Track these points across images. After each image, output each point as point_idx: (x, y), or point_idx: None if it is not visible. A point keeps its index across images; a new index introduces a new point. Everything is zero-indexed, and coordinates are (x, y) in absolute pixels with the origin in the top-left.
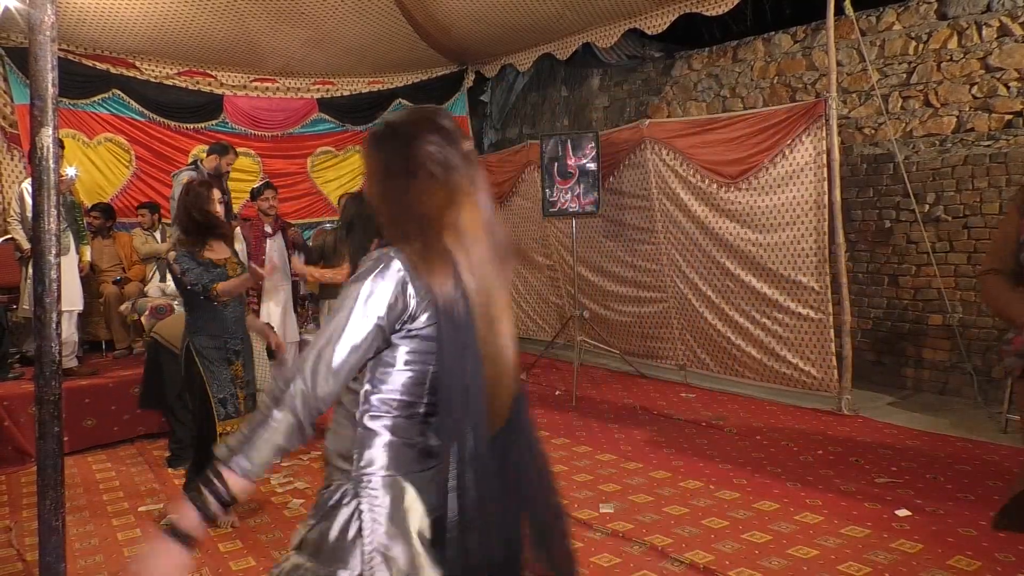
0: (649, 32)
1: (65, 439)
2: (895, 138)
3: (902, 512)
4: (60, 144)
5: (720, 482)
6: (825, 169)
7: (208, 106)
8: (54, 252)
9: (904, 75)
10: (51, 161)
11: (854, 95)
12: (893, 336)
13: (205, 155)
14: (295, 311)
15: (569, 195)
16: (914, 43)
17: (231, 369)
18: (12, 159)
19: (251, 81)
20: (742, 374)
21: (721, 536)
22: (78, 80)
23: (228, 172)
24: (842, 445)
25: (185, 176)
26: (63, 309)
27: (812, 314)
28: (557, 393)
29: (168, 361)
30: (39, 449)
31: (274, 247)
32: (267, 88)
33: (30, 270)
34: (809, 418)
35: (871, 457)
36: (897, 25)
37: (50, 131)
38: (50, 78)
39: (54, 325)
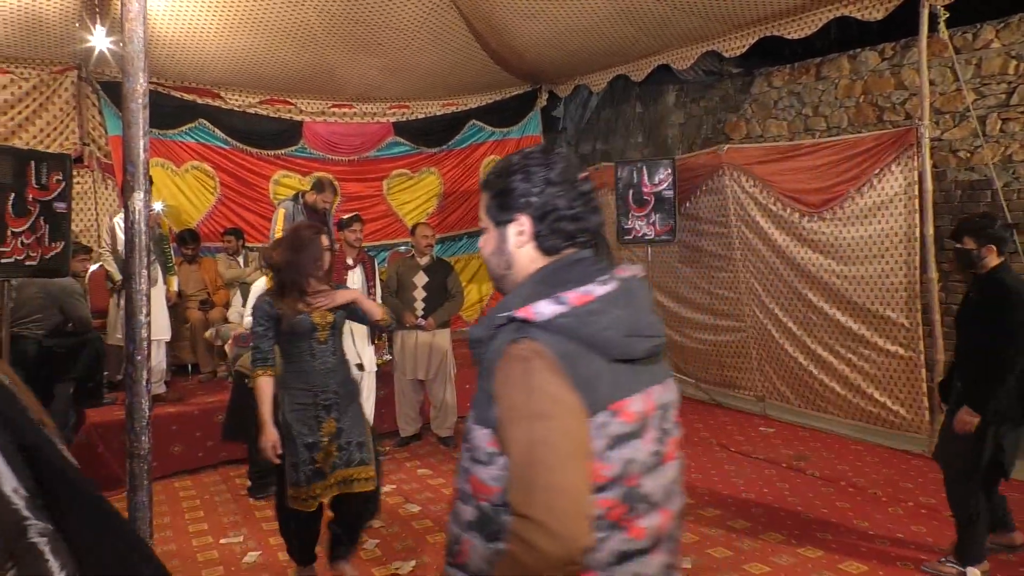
0: (727, 55)
1: (153, 464)
2: (993, 163)
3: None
4: (150, 180)
5: (802, 536)
6: (916, 200)
7: (288, 132)
8: (144, 312)
9: (1003, 95)
10: (142, 224)
11: (947, 116)
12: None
13: (309, 188)
14: (372, 342)
15: (644, 222)
16: (1015, 62)
17: (320, 430)
18: (106, 188)
19: (329, 107)
20: (825, 409)
21: None
22: (167, 111)
23: (327, 208)
24: (934, 496)
25: (284, 208)
26: (152, 339)
27: (901, 351)
28: None
29: (250, 393)
30: (130, 501)
31: (355, 279)
32: (344, 113)
33: (119, 299)
34: (898, 462)
35: None
36: (996, 43)
37: (142, 195)
38: (142, 144)
39: (144, 383)
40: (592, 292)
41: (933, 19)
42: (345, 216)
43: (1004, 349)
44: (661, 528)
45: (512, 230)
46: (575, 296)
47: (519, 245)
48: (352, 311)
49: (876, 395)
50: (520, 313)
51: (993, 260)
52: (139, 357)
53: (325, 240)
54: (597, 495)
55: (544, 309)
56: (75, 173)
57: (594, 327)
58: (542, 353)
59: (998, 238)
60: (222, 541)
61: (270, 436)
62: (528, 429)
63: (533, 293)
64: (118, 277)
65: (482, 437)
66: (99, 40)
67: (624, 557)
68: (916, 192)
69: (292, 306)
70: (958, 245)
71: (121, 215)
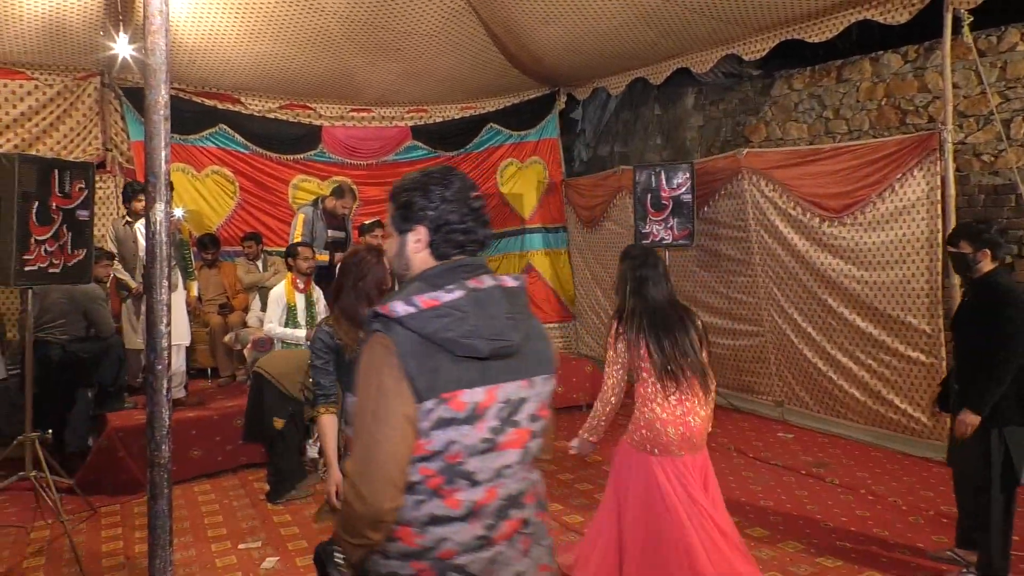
0: (747, 58)
1: (173, 468)
2: (1018, 167)
3: None
4: (170, 186)
5: (822, 546)
6: (939, 205)
7: (307, 137)
8: (165, 323)
9: None
10: (163, 235)
11: (971, 119)
12: (1013, 381)
13: (329, 194)
14: None
15: (663, 227)
16: None
17: None
18: None
19: (348, 111)
20: (844, 415)
21: None
22: (188, 116)
23: (345, 214)
24: (955, 505)
25: (303, 213)
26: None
27: (923, 358)
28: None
29: (271, 395)
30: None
31: None
32: (363, 118)
33: (133, 305)
34: (919, 469)
35: None
36: (1021, 46)
37: (163, 207)
38: (163, 155)
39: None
40: (439, 299)
41: (957, 21)
42: (367, 222)
43: (1000, 350)
44: (481, 503)
45: (411, 238)
46: (424, 300)
47: (416, 251)
48: None
49: (897, 401)
50: (381, 310)
51: (988, 264)
52: (160, 367)
53: (388, 263)
54: (420, 464)
55: (398, 308)
56: (97, 179)
57: (435, 327)
58: (387, 345)
59: (993, 243)
60: (240, 547)
61: (335, 477)
62: (362, 406)
63: (412, 291)
64: (133, 285)
65: (351, 404)
66: (122, 47)
67: (436, 521)
68: (939, 197)
69: (355, 336)
70: (954, 250)
71: (143, 221)
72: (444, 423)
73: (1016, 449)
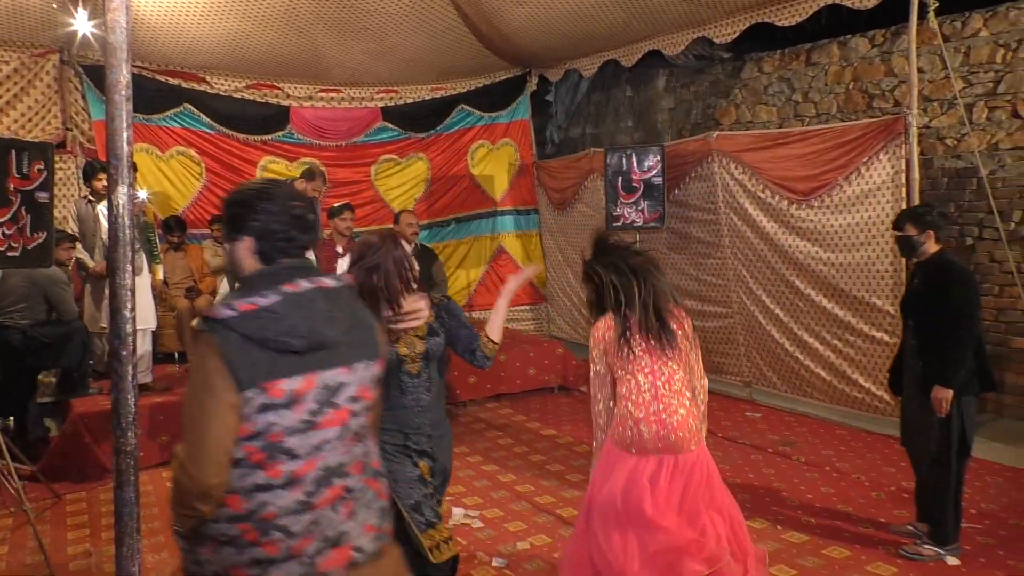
0: (717, 41)
1: (140, 455)
2: (979, 151)
3: (952, 560)
4: (134, 167)
5: (788, 522)
6: (903, 188)
7: (275, 118)
8: (129, 307)
9: (991, 84)
10: (127, 219)
11: (935, 103)
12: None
13: (299, 177)
14: None
15: (634, 209)
16: (1002, 51)
17: (416, 467)
18: None
19: (317, 92)
20: (811, 394)
21: None
22: (151, 95)
23: (316, 198)
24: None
25: None
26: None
27: (886, 338)
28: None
29: None
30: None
31: (344, 267)
32: (332, 98)
33: (92, 287)
34: (881, 446)
35: None
36: (984, 32)
37: (126, 189)
38: (126, 137)
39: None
40: (256, 303)
41: (923, 7)
42: (336, 204)
43: (955, 327)
44: (300, 473)
45: (239, 246)
46: (243, 305)
47: (244, 257)
48: (453, 331)
49: (861, 381)
50: (208, 313)
51: (932, 246)
52: (124, 352)
53: (407, 248)
54: (244, 443)
55: (222, 312)
56: (57, 159)
57: (253, 328)
58: (212, 344)
59: (936, 225)
60: None
61: None
62: (190, 395)
63: (235, 297)
64: (90, 264)
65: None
66: (81, 24)
67: (260, 489)
68: (903, 180)
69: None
70: (899, 233)
71: (104, 203)
72: (265, 408)
73: (969, 419)
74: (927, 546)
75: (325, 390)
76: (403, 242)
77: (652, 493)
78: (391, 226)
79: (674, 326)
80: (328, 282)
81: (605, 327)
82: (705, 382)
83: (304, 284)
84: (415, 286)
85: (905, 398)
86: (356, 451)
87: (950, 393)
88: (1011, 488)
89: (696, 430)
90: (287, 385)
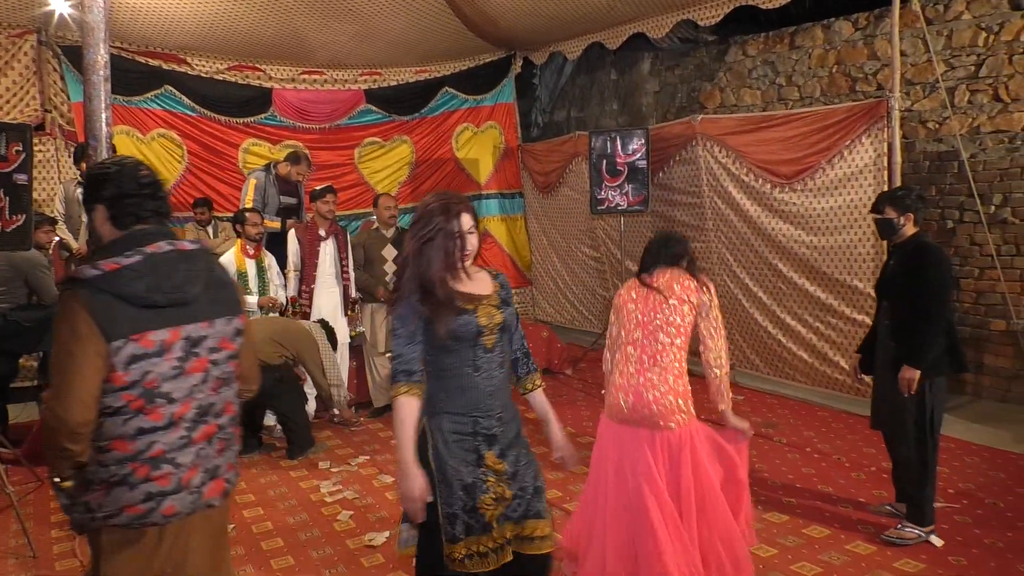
0: (702, 24)
1: None
2: (961, 134)
3: (936, 540)
4: (113, 150)
5: (769, 502)
6: (886, 172)
7: (257, 100)
8: None
9: (972, 67)
10: None
11: (918, 87)
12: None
13: (283, 160)
14: (345, 314)
15: (618, 193)
16: (984, 34)
17: (482, 465)
18: (69, 156)
19: (299, 74)
20: (793, 376)
21: (770, 566)
22: (131, 76)
23: (301, 181)
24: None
25: (254, 178)
26: None
27: (867, 320)
28: (603, 391)
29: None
30: None
31: (327, 251)
32: (315, 80)
33: (73, 267)
34: (862, 427)
35: None
36: (967, 15)
37: None
38: (104, 117)
39: None
40: (120, 262)
41: None
42: (318, 187)
43: (928, 308)
44: (179, 414)
45: (96, 214)
46: (108, 264)
47: (101, 224)
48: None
49: (842, 363)
50: (72, 274)
51: (911, 228)
52: None
53: (467, 220)
54: (121, 392)
55: (87, 272)
56: (36, 141)
57: (117, 285)
58: (79, 299)
59: (916, 208)
60: None
61: (416, 481)
62: (57, 344)
63: (99, 257)
64: (75, 245)
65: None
66: (58, 3)
67: (143, 432)
68: (885, 163)
69: (446, 306)
70: (879, 216)
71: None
72: (136, 358)
73: (938, 399)
74: (908, 528)
75: (188, 341)
76: (464, 215)
77: (647, 478)
78: (371, 209)
79: (673, 299)
80: (187, 245)
81: (623, 289)
82: (715, 355)
83: (164, 246)
84: (467, 262)
85: (877, 378)
86: (225, 394)
87: (917, 373)
88: (988, 468)
89: (677, 408)
90: (156, 336)
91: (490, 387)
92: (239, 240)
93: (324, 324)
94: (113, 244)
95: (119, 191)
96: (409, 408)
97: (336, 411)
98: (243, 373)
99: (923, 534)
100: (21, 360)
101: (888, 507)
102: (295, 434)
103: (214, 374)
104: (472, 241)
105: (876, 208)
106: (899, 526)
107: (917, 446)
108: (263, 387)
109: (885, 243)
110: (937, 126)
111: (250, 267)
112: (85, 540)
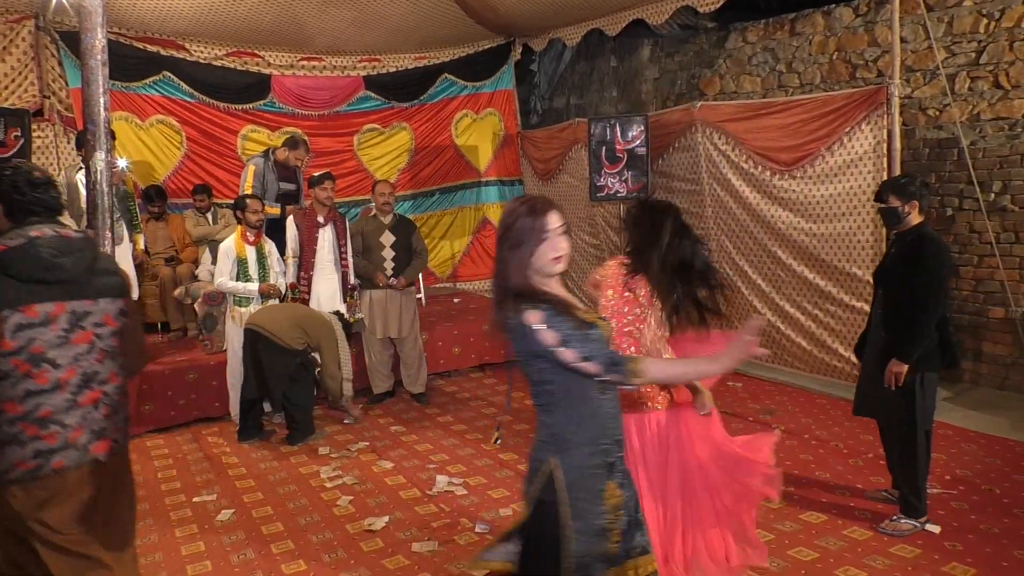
0: (701, 10)
1: None
2: (961, 121)
3: (933, 528)
4: (112, 135)
5: None
6: (885, 159)
7: (256, 86)
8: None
9: (973, 54)
10: (104, 185)
11: (918, 74)
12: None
13: (281, 145)
14: (343, 301)
15: (617, 180)
16: (985, 20)
17: (603, 503)
18: (68, 142)
19: (298, 60)
20: (791, 364)
21: (768, 552)
22: (130, 63)
23: (299, 166)
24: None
25: (253, 164)
26: None
27: (866, 307)
28: None
29: (267, 351)
30: None
31: (326, 237)
32: (314, 67)
33: None
34: None
35: None
36: (967, 1)
37: (103, 155)
38: (102, 102)
39: None
40: (7, 244)
41: None
42: (316, 173)
43: (923, 300)
44: (64, 379)
45: None
46: None
47: None
48: None
49: (841, 350)
50: None
51: (916, 217)
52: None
53: (555, 218)
54: (9, 358)
55: None
56: (35, 127)
57: (5, 264)
58: None
59: (920, 195)
60: (195, 500)
61: (739, 350)
62: None
63: None
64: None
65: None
66: None
67: (31, 394)
68: (885, 151)
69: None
70: (883, 205)
71: (82, 172)
72: (22, 327)
73: (930, 394)
74: (904, 521)
75: (73, 315)
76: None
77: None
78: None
79: (642, 289)
80: (71, 233)
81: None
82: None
83: (48, 232)
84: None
85: (865, 365)
86: (109, 365)
87: (904, 368)
88: (984, 455)
89: (657, 388)
90: (41, 308)
91: (612, 409)
92: (239, 227)
93: (340, 316)
94: (8, 233)
95: (13, 189)
96: (656, 360)
97: (343, 403)
98: (127, 350)
99: (918, 524)
100: None
101: (884, 493)
102: (299, 421)
103: (99, 346)
104: (564, 243)
105: (879, 197)
106: (894, 518)
107: (906, 441)
108: (287, 369)
109: (885, 231)
110: (937, 113)
111: (250, 254)
112: None
